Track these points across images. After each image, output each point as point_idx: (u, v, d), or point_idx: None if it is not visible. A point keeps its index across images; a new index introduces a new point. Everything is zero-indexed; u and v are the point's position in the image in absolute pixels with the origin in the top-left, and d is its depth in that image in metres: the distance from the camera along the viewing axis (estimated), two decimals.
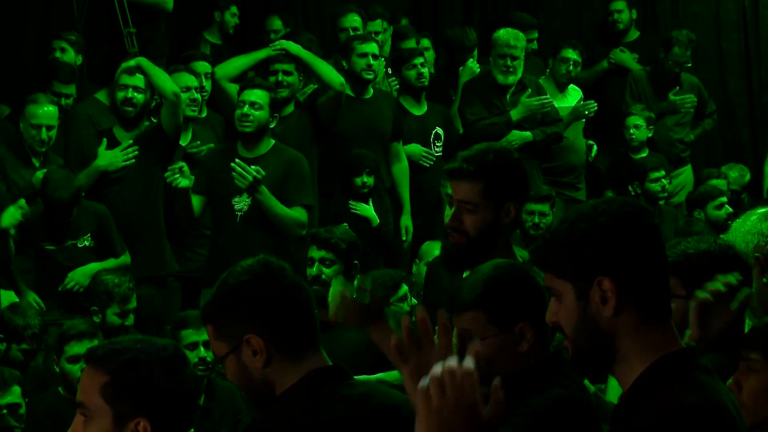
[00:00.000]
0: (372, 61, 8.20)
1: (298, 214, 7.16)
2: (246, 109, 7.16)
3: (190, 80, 7.78)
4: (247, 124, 7.16)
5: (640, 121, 9.64)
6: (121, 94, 7.35)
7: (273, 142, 7.31)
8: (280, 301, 2.96)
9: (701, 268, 3.30)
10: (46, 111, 7.16)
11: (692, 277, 3.37)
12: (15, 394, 5.43)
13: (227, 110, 7.97)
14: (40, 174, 7.09)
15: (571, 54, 9.50)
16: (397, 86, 8.94)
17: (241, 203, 7.15)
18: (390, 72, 9.06)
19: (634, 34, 10.68)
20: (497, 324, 3.28)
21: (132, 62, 7.48)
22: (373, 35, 8.71)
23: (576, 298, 2.53)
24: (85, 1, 8.68)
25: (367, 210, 7.88)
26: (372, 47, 8.23)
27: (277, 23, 9.60)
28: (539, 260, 2.63)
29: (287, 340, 2.95)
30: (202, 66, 8.29)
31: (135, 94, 7.33)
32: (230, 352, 2.94)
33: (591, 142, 9.75)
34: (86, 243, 7.08)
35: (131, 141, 7.35)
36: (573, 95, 9.59)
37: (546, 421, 3.19)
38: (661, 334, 2.54)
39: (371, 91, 8.37)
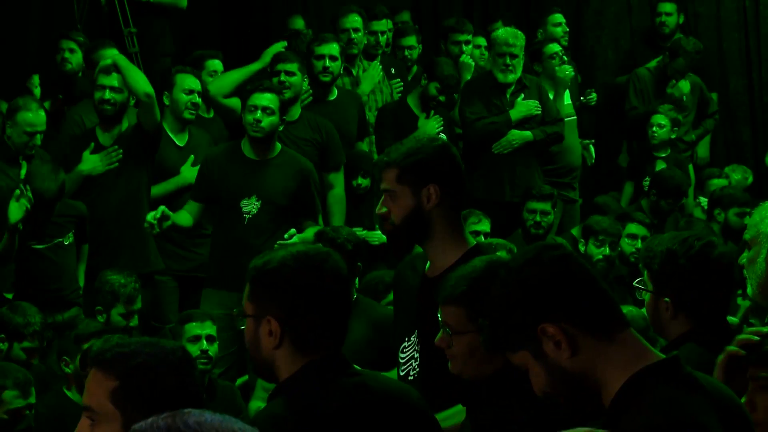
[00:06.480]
0: (329, 63, 8.12)
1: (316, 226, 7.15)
2: (258, 114, 7.00)
3: (194, 83, 7.69)
4: (259, 130, 7.01)
5: (665, 121, 9.64)
6: (98, 94, 7.33)
7: (279, 146, 7.23)
8: (307, 294, 3.02)
9: (663, 265, 3.53)
10: (40, 117, 7.12)
11: (658, 273, 3.57)
12: (33, 395, 5.40)
13: (228, 117, 7.95)
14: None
15: (554, 47, 9.45)
16: (401, 89, 8.91)
17: (249, 206, 7.06)
18: (393, 72, 9.01)
19: (675, 37, 10.61)
20: (476, 323, 3.29)
21: (108, 61, 7.42)
22: (335, 37, 8.45)
23: (535, 359, 2.52)
24: (85, 0, 8.69)
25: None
26: (330, 48, 8.16)
27: (299, 23, 9.57)
28: (492, 349, 2.69)
29: (302, 333, 3.02)
30: (213, 64, 8.30)
31: (112, 94, 7.30)
32: (252, 316, 3.06)
33: (587, 141, 9.74)
34: (71, 240, 7.06)
35: (115, 144, 7.33)
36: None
37: None
38: (626, 349, 2.51)
39: (335, 92, 8.32)
